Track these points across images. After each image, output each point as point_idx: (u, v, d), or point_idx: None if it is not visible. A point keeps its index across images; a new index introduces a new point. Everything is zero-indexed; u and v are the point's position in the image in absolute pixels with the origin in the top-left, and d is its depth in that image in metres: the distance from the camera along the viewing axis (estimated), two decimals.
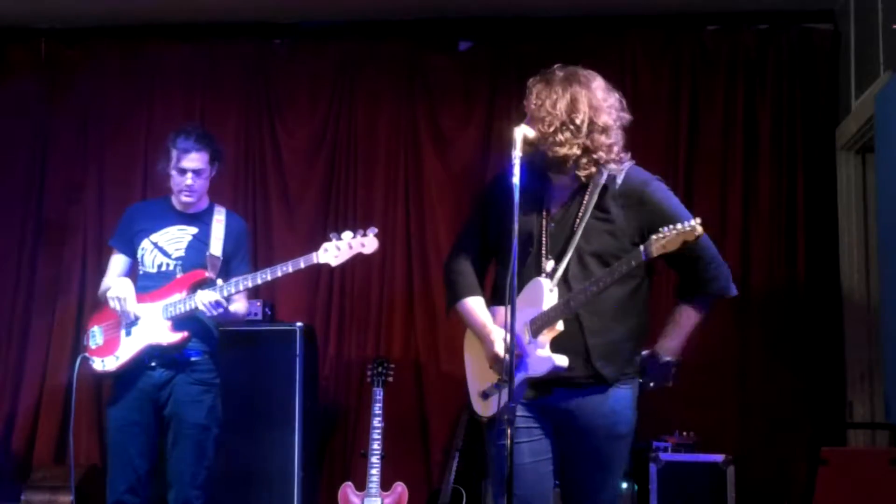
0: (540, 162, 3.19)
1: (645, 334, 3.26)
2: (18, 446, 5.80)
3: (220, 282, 4.22)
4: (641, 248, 2.93)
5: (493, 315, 3.30)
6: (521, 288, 3.13)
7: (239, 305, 4.38)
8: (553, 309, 3.08)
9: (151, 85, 6.11)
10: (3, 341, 5.95)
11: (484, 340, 3.26)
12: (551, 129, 3.14)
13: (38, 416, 5.83)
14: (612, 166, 3.18)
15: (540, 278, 3.15)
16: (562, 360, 3.06)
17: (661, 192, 3.22)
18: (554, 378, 3.10)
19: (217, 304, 4.13)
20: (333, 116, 6.02)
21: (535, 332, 3.09)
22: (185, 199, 4.40)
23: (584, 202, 3.18)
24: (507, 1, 5.81)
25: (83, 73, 6.11)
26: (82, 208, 6.02)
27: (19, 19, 6.02)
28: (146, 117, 6.03)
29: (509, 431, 2.87)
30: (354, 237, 4.11)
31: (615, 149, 3.18)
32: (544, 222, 3.24)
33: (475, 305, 3.36)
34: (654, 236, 2.91)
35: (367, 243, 4.12)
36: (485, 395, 3.25)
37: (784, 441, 5.48)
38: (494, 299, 3.35)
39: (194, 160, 4.36)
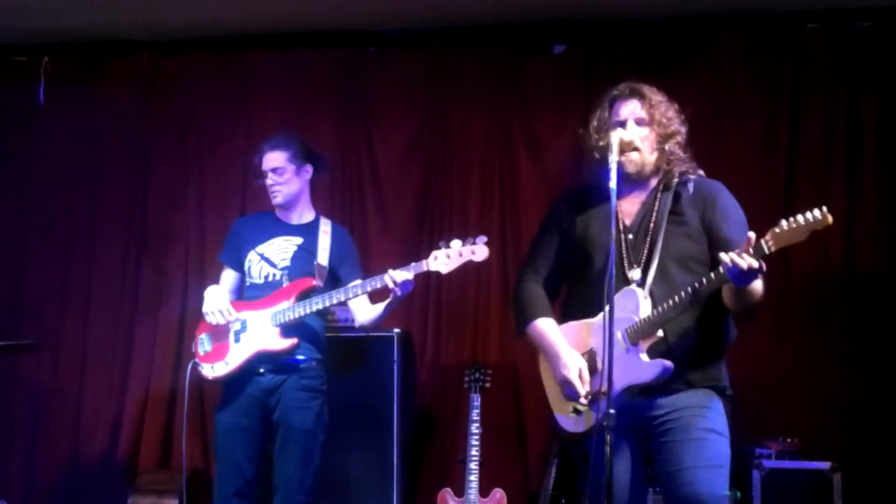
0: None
1: (723, 338, 3.27)
2: (124, 451, 5.93)
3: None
4: (762, 241, 2.86)
5: (566, 331, 3.31)
6: (600, 297, 3.06)
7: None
8: (654, 315, 3.08)
9: (248, 94, 6.19)
10: (108, 348, 6.08)
11: (555, 361, 3.28)
12: (667, 133, 3.26)
13: (143, 422, 5.95)
14: (688, 176, 3.28)
15: (633, 287, 3.16)
16: (670, 364, 3.07)
17: (732, 199, 3.27)
18: (652, 386, 3.10)
19: (410, 283, 4.08)
20: (428, 123, 6.03)
21: (633, 341, 3.10)
22: (274, 200, 4.47)
23: (658, 209, 3.22)
24: (599, 2, 5.75)
25: (183, 84, 6.22)
26: (184, 217, 6.13)
27: (123, 33, 6.16)
28: (244, 126, 6.11)
29: (608, 437, 2.86)
30: (464, 245, 4.05)
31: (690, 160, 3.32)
32: (622, 236, 3.25)
33: (546, 326, 3.38)
34: (774, 229, 2.84)
35: (478, 251, 4.05)
36: (577, 411, 3.23)
37: (893, 445, 5.32)
38: (566, 314, 3.37)
39: (271, 160, 4.45)
